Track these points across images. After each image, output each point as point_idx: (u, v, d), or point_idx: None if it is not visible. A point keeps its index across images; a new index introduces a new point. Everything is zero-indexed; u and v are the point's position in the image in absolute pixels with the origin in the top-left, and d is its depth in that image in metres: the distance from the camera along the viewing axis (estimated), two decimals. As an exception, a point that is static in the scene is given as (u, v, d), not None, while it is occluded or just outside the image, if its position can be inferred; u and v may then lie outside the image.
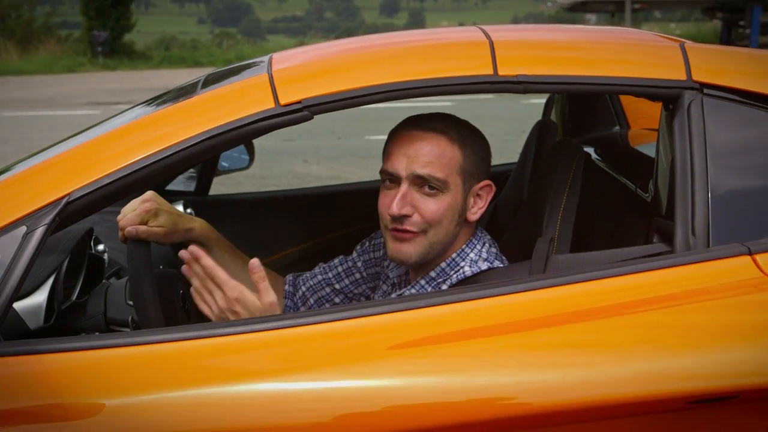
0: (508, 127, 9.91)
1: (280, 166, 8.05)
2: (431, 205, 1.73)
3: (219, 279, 1.64)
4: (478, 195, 1.81)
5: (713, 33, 21.41)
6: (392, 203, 1.73)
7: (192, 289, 1.67)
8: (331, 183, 7.12)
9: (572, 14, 22.47)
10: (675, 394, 1.46)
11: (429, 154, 1.73)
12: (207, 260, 1.65)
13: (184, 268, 1.67)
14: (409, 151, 1.74)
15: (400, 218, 1.73)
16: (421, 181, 1.73)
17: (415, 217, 1.74)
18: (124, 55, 22.93)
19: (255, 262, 1.64)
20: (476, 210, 1.81)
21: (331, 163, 8.28)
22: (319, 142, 9.24)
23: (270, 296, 1.64)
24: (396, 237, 1.76)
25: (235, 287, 1.64)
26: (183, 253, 1.66)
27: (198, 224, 1.91)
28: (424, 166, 1.72)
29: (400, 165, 1.74)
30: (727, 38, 18.57)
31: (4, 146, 9.33)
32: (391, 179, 1.76)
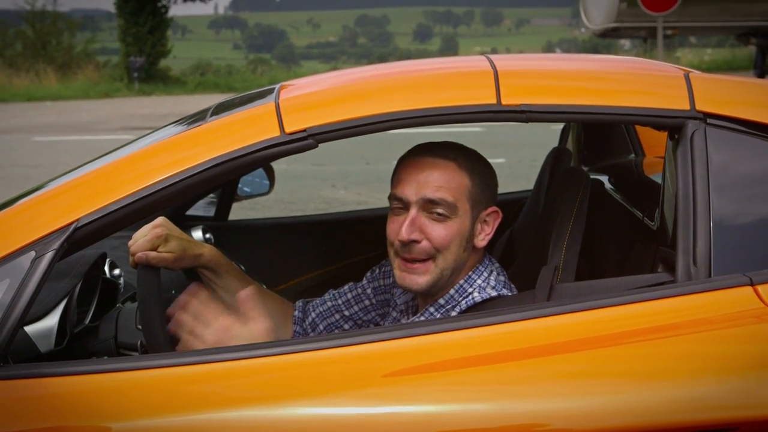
0: (540, 153, 9.86)
1: (308, 191, 8.09)
2: (440, 231, 1.75)
3: (205, 319, 1.74)
4: (485, 221, 1.83)
5: (749, 58, 21.21)
6: (401, 228, 1.75)
7: (182, 338, 1.75)
8: (357, 208, 7.14)
9: (606, 40, 22.37)
10: (673, 425, 1.44)
11: (439, 179, 1.76)
12: (195, 305, 1.77)
13: (172, 321, 1.76)
14: (420, 176, 1.77)
15: (409, 244, 1.75)
16: (431, 206, 1.75)
17: (424, 244, 1.75)
18: (160, 80, 23.20)
19: (244, 293, 1.74)
20: (483, 237, 1.82)
21: (359, 188, 8.30)
22: (348, 167, 9.27)
23: (259, 325, 1.72)
24: (405, 268, 1.77)
25: (220, 327, 1.73)
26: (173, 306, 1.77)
27: (207, 250, 1.94)
28: (435, 190, 1.75)
29: (410, 190, 1.77)
30: (761, 63, 18.40)
31: (35, 170, 9.50)
32: (400, 205, 1.79)
